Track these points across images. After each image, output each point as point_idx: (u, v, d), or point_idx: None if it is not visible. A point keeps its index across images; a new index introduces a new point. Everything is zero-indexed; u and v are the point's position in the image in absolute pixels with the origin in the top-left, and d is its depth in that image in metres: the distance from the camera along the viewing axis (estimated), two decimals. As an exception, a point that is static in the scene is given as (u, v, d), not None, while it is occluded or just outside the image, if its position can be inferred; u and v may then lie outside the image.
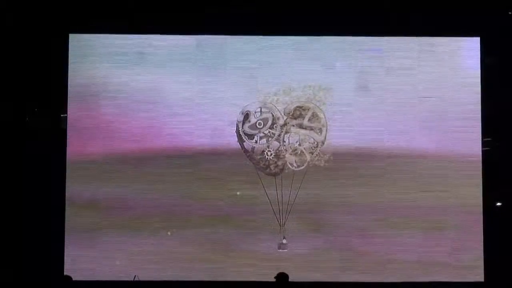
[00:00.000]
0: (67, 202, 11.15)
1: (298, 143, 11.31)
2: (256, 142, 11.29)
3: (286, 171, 11.26)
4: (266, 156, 11.28)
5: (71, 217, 11.14)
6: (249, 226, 11.20)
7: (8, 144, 11.21)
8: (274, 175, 11.27)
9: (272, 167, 11.27)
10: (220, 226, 11.18)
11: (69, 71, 11.28)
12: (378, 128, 11.30)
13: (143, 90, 11.29)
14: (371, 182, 11.24)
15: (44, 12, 11.21)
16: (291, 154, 11.28)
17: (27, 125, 11.36)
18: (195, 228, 11.18)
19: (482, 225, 11.21)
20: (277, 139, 11.31)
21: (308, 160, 11.28)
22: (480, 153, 11.33)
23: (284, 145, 11.30)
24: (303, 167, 11.27)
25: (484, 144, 11.37)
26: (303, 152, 11.27)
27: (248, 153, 11.28)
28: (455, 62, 11.41)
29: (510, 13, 11.43)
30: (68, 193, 11.15)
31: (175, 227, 11.19)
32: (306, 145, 11.31)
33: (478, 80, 11.35)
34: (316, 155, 11.26)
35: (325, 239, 11.21)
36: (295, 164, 11.28)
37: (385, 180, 11.25)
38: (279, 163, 11.29)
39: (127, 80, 11.29)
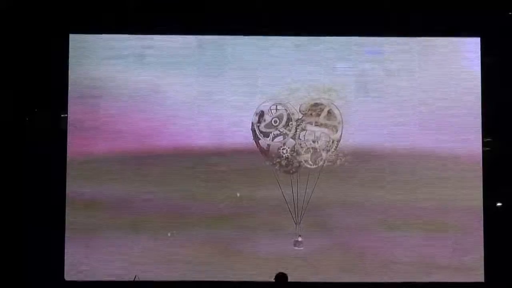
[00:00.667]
0: (67, 202, 11.14)
1: (315, 141, 11.28)
2: (271, 140, 11.27)
3: (302, 169, 11.23)
4: (282, 154, 11.25)
5: (71, 217, 11.13)
6: (257, 225, 11.18)
7: (8, 144, 11.20)
8: (290, 173, 11.24)
9: (287, 164, 11.22)
10: (225, 226, 11.16)
11: (69, 71, 11.28)
12: (378, 129, 11.29)
13: (143, 90, 11.28)
14: (371, 182, 11.23)
15: (44, 12, 11.22)
16: (306, 152, 11.25)
17: (27, 125, 11.36)
18: (198, 227, 11.15)
19: (482, 226, 11.20)
20: (292, 137, 11.29)
21: (324, 158, 11.25)
22: (481, 153, 11.32)
23: (300, 143, 11.28)
24: (318, 165, 11.25)
25: (484, 144, 11.37)
26: (318, 150, 11.24)
27: (263, 151, 11.25)
28: (455, 63, 11.40)
29: (510, 13, 11.44)
30: (68, 193, 11.14)
31: (176, 227, 11.17)
32: (321, 143, 11.30)
33: (478, 80, 11.35)
34: (332, 153, 11.23)
35: (327, 239, 11.19)
36: (310, 162, 11.25)
37: (385, 181, 11.24)
38: (295, 161, 11.25)
39: (128, 80, 11.29)
